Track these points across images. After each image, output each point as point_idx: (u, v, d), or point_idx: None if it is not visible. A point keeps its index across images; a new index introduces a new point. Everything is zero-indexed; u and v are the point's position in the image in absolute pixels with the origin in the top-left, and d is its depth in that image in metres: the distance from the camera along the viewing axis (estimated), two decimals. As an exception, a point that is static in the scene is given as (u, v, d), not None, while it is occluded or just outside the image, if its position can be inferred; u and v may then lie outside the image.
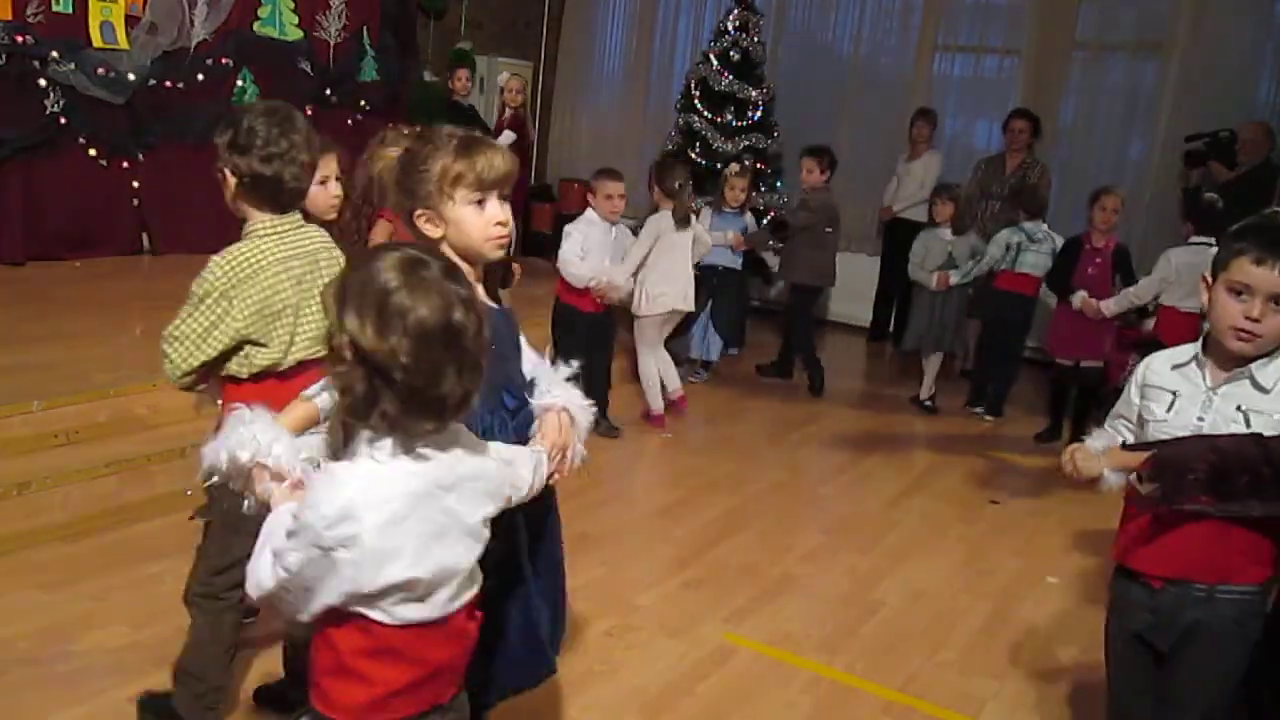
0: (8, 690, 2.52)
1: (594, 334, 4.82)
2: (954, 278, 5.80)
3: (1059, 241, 5.67)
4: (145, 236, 6.35)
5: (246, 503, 1.54)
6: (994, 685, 3.02)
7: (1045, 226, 5.80)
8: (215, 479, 1.54)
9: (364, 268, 1.34)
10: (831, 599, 3.50)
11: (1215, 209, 4.92)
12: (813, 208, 6.16)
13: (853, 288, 8.11)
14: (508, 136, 6.79)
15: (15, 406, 3.46)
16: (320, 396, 1.74)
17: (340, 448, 1.50)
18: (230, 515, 2.28)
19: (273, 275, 2.17)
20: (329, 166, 2.59)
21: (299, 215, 2.30)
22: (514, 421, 1.87)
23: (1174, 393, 2.00)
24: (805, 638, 3.20)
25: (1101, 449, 2.10)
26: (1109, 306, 5.20)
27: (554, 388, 1.93)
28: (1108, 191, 5.39)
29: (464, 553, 1.43)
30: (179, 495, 3.47)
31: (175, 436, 3.65)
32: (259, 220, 2.21)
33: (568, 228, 5.04)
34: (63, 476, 3.39)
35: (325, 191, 2.60)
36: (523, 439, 1.84)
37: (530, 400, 1.90)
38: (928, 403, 5.99)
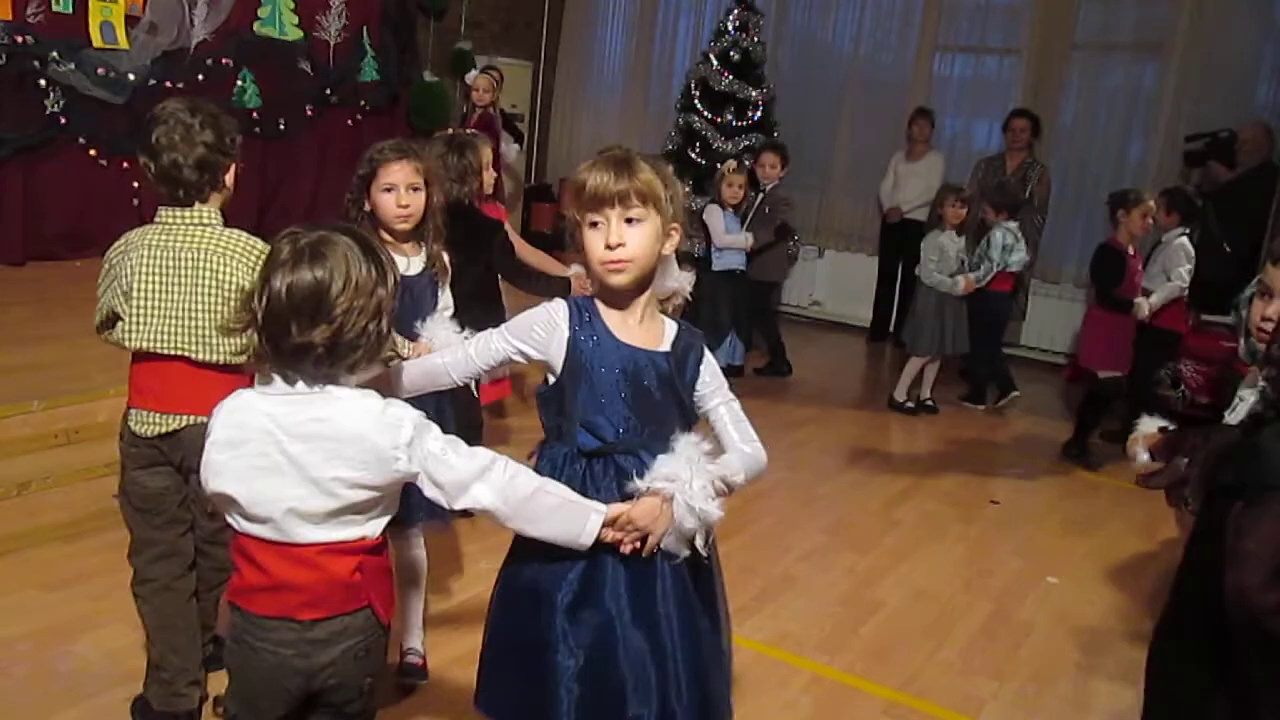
0: (8, 690, 2.52)
1: None
2: (975, 280, 5.79)
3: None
4: (145, 237, 6.35)
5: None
6: (994, 685, 3.02)
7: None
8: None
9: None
10: (831, 599, 3.50)
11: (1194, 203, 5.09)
12: (791, 204, 6.29)
13: (852, 288, 8.14)
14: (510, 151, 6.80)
15: (15, 406, 3.46)
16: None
17: None
18: (134, 497, 2.32)
19: (137, 257, 2.30)
20: (393, 175, 2.48)
21: (210, 212, 2.33)
22: (587, 462, 1.78)
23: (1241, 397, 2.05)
24: (805, 638, 3.20)
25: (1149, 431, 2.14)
26: (1154, 303, 5.12)
27: (680, 463, 1.76)
28: (1144, 199, 5.16)
29: (305, 496, 1.58)
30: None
31: (175, 436, 3.64)
32: (159, 210, 2.35)
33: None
34: (63, 476, 3.39)
35: (388, 200, 2.51)
36: (603, 492, 1.75)
37: (633, 452, 1.78)
38: (929, 402, 6.00)
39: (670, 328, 1.84)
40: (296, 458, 1.56)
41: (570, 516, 1.69)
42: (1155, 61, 7.11)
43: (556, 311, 1.79)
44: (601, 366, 1.77)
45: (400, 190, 2.50)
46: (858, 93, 8.21)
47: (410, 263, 2.53)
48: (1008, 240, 5.78)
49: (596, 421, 1.78)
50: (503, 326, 1.86)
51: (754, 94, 7.58)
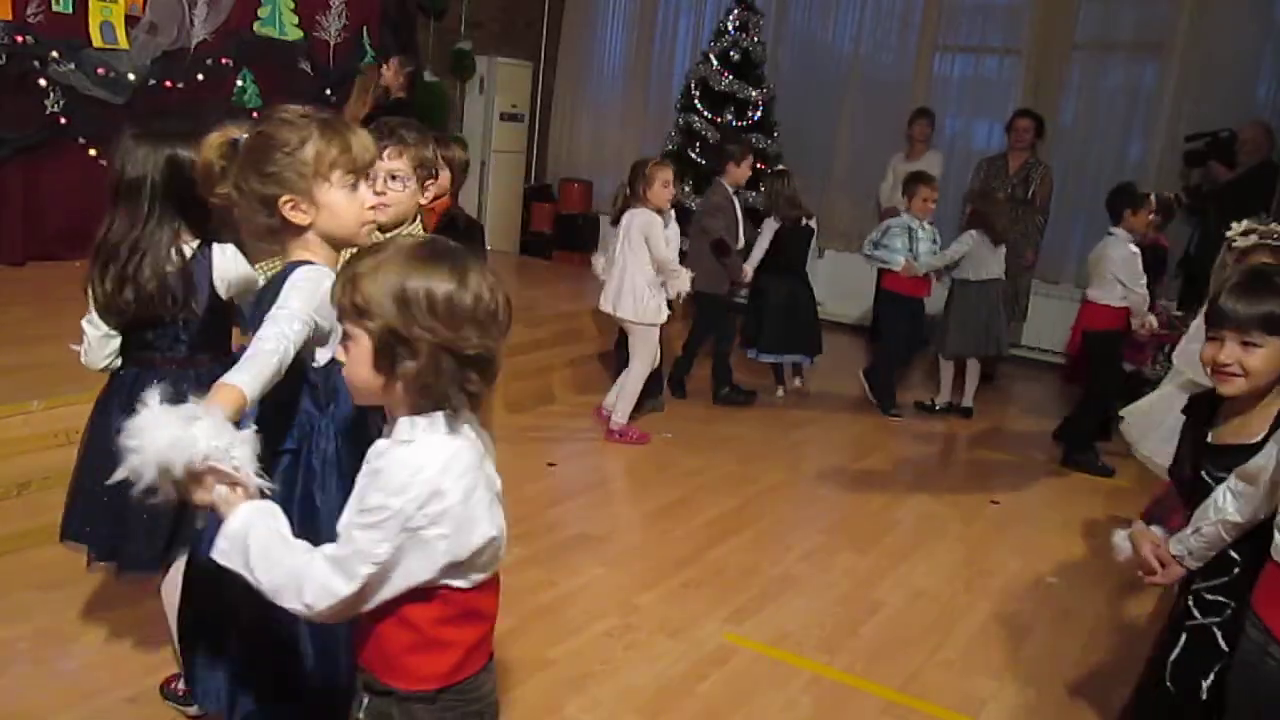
0: (8, 690, 2.52)
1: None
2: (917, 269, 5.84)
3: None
4: (145, 236, 6.35)
5: (161, 496, 1.37)
6: (994, 685, 3.02)
7: None
8: (138, 480, 1.34)
9: (397, 264, 1.37)
10: (831, 599, 3.50)
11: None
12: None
13: (852, 288, 8.14)
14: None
15: (15, 406, 3.46)
16: (243, 380, 1.57)
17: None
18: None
19: None
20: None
21: None
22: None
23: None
24: (805, 638, 3.20)
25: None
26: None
27: None
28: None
29: (502, 511, 1.47)
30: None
31: (175, 436, 3.64)
32: None
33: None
34: (63, 476, 3.37)
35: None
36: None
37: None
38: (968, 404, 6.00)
39: None
40: (490, 476, 1.46)
41: None
42: (1155, 61, 7.11)
43: (327, 274, 1.72)
44: None
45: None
46: (858, 93, 8.21)
47: None
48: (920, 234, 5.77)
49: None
50: (291, 305, 1.70)
51: (754, 94, 7.59)
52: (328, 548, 1.37)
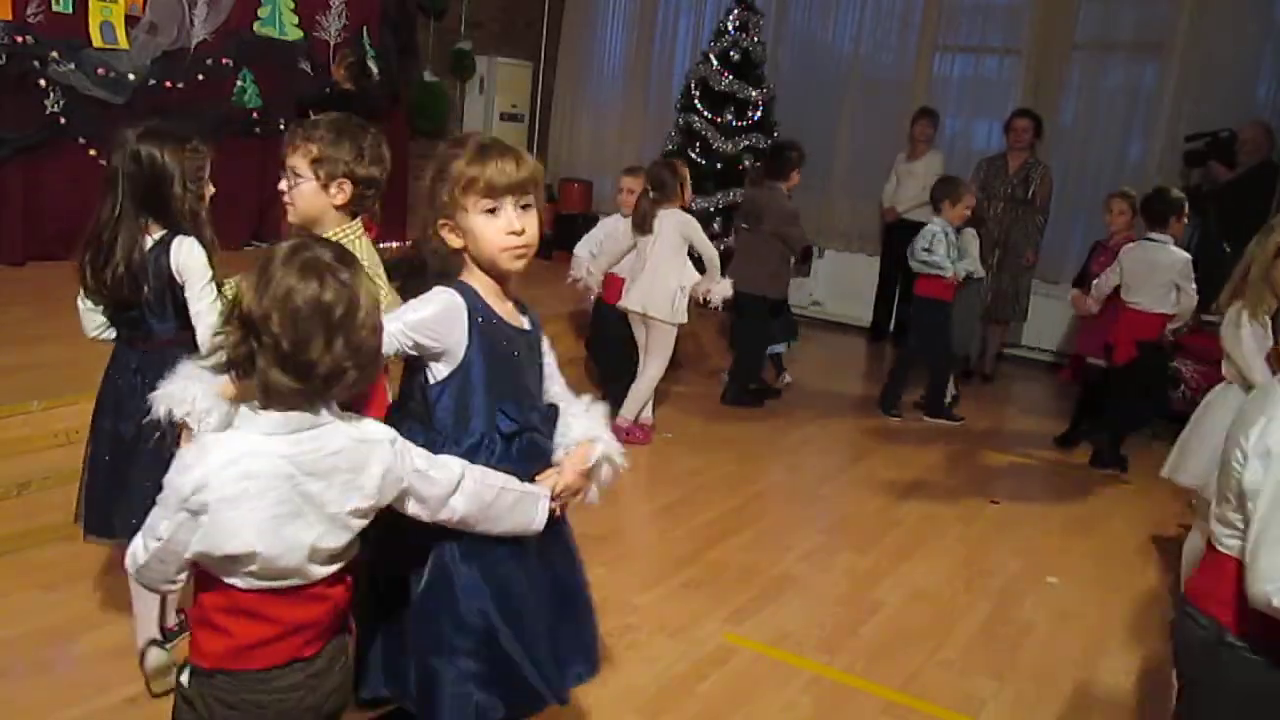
0: (8, 690, 2.52)
1: None
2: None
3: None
4: (145, 237, 6.35)
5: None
6: (994, 685, 3.02)
7: None
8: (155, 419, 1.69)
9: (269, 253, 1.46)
10: (831, 599, 3.50)
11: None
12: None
13: (852, 288, 8.14)
14: None
15: (15, 406, 3.46)
16: None
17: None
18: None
19: None
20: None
21: None
22: (505, 445, 1.78)
23: None
24: (805, 638, 3.20)
25: None
26: (1090, 303, 5.19)
27: (584, 421, 1.89)
28: (1113, 195, 5.46)
29: (323, 535, 1.48)
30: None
31: (175, 436, 3.65)
32: None
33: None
34: (63, 476, 3.38)
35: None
36: (518, 469, 1.77)
37: (536, 427, 1.84)
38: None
39: (513, 304, 1.88)
40: (315, 496, 1.46)
41: (526, 507, 1.74)
42: (1155, 61, 7.11)
43: (454, 298, 1.75)
44: (498, 349, 1.78)
45: None
46: (858, 93, 8.21)
47: None
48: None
49: (508, 404, 1.79)
50: (393, 317, 1.71)
51: (754, 94, 7.58)
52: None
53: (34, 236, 5.77)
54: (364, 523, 1.54)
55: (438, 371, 1.77)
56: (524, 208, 1.76)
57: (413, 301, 1.76)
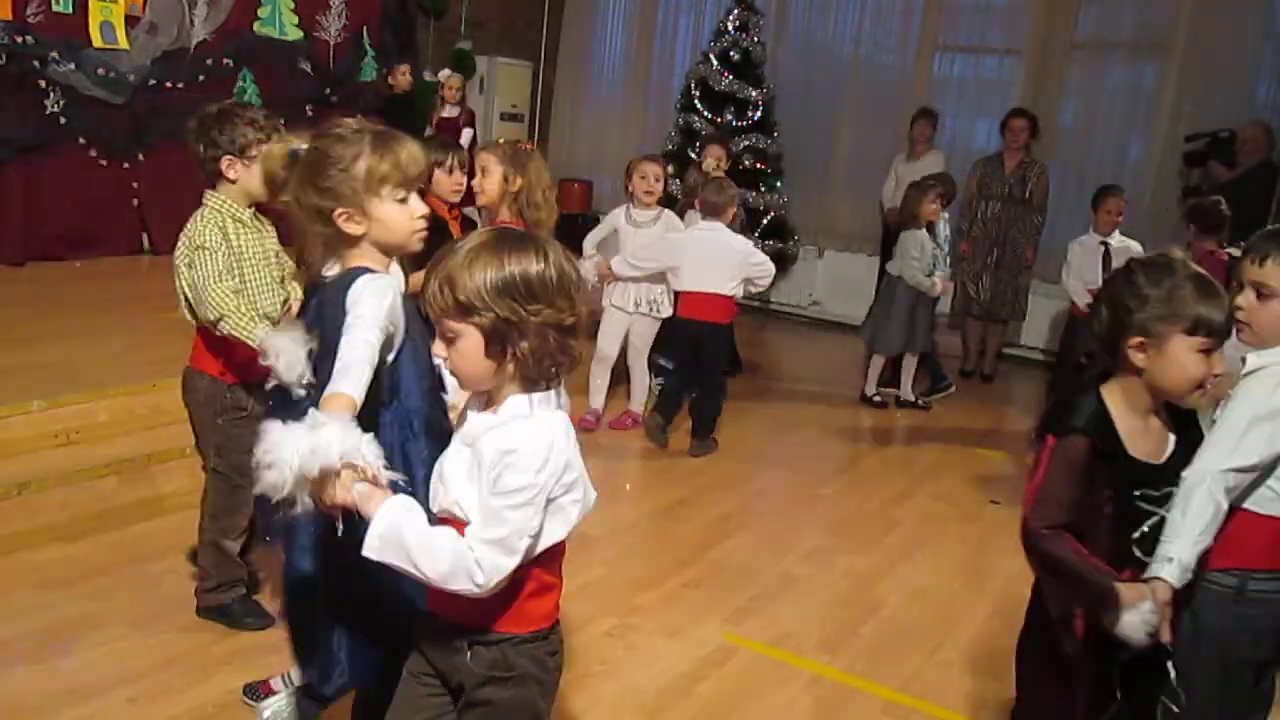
0: (8, 690, 2.52)
1: None
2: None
3: None
4: (145, 236, 6.35)
5: (299, 507, 1.45)
6: (994, 685, 3.02)
7: None
8: (281, 489, 1.42)
9: (486, 258, 1.46)
10: (831, 599, 3.50)
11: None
12: None
13: (852, 288, 8.13)
14: (467, 136, 6.85)
15: (15, 406, 3.46)
16: (348, 387, 1.69)
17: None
18: (239, 469, 2.42)
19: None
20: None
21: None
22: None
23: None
24: (805, 638, 3.20)
25: None
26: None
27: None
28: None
29: None
30: (179, 495, 3.48)
31: (175, 436, 3.64)
32: None
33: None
34: (63, 476, 3.39)
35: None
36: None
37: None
38: (921, 402, 6.00)
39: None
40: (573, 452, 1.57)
41: None
42: (1155, 61, 7.11)
43: (392, 279, 1.89)
44: (414, 322, 1.91)
45: None
46: (858, 93, 8.21)
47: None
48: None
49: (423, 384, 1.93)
50: (365, 315, 1.79)
51: (754, 94, 7.58)
52: (481, 532, 1.46)
53: (34, 236, 5.77)
54: None
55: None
56: (420, 192, 1.91)
57: (366, 298, 1.80)
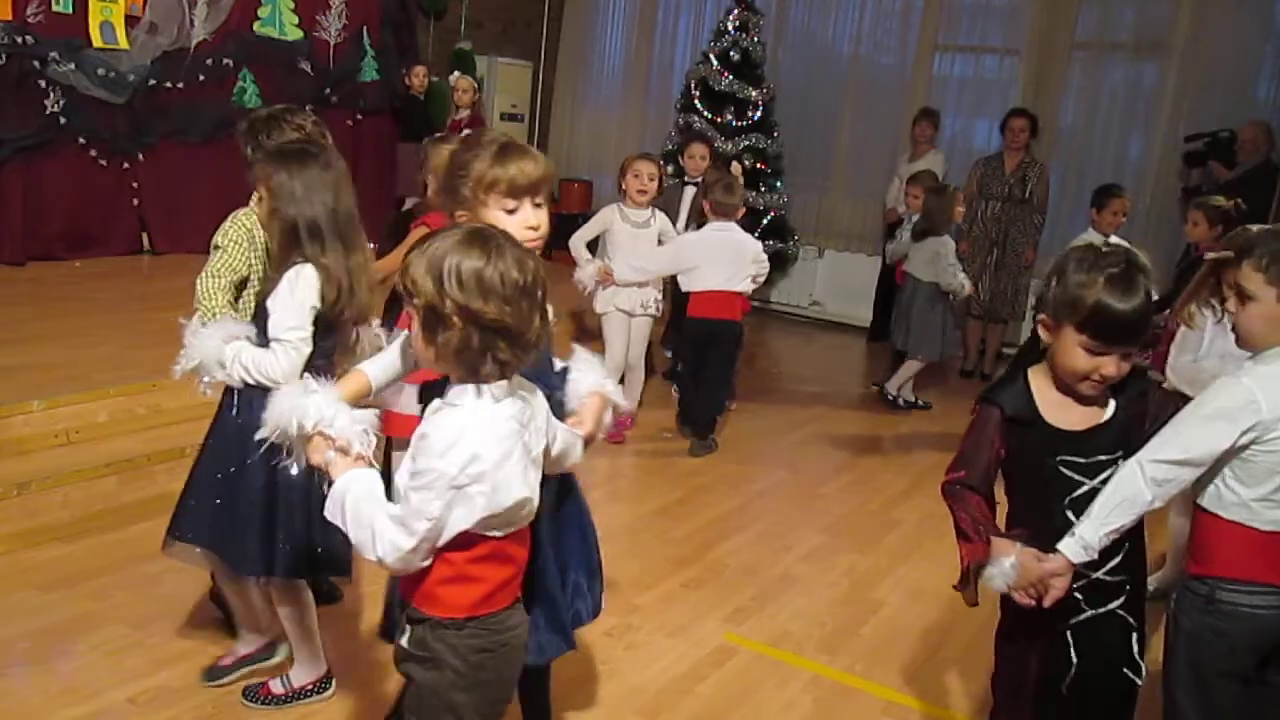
0: (8, 690, 2.52)
1: None
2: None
3: None
4: (145, 236, 6.36)
5: (294, 466, 1.69)
6: (994, 685, 3.02)
7: None
8: (275, 437, 1.68)
9: (442, 249, 1.53)
10: (831, 599, 3.50)
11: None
12: None
13: (852, 288, 8.14)
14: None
15: (15, 406, 3.46)
16: (371, 369, 1.93)
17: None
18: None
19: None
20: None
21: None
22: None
23: None
24: (805, 638, 3.20)
25: None
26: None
27: (589, 375, 2.01)
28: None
29: (537, 477, 1.66)
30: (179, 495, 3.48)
31: (175, 436, 3.65)
32: None
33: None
34: (63, 476, 3.39)
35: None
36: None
37: (558, 387, 1.97)
38: (921, 402, 6.01)
39: None
40: (529, 445, 1.63)
41: (578, 448, 1.87)
42: (1155, 61, 7.11)
43: None
44: None
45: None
46: (858, 93, 8.21)
47: None
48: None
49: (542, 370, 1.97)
50: None
51: (754, 94, 7.58)
52: (390, 507, 1.57)
53: (34, 236, 5.77)
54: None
55: None
56: (537, 205, 1.96)
57: None
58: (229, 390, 2.34)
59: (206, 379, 2.28)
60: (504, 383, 1.58)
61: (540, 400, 1.71)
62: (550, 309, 1.65)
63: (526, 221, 1.93)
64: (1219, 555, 1.89)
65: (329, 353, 2.38)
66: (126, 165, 6.16)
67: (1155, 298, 1.86)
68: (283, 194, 2.27)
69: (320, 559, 2.41)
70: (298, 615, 2.51)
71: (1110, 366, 1.84)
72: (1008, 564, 1.94)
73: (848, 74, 8.25)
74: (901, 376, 5.96)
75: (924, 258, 5.74)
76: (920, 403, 6.01)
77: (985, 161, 6.88)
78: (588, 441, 1.93)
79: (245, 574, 2.44)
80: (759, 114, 7.62)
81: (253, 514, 2.35)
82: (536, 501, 1.66)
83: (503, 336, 1.53)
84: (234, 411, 2.34)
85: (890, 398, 5.98)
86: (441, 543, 1.58)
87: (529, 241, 1.90)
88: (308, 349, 2.27)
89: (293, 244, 2.27)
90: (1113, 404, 1.93)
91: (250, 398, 2.24)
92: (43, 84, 5.68)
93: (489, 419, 1.55)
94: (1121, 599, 1.98)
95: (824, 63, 8.39)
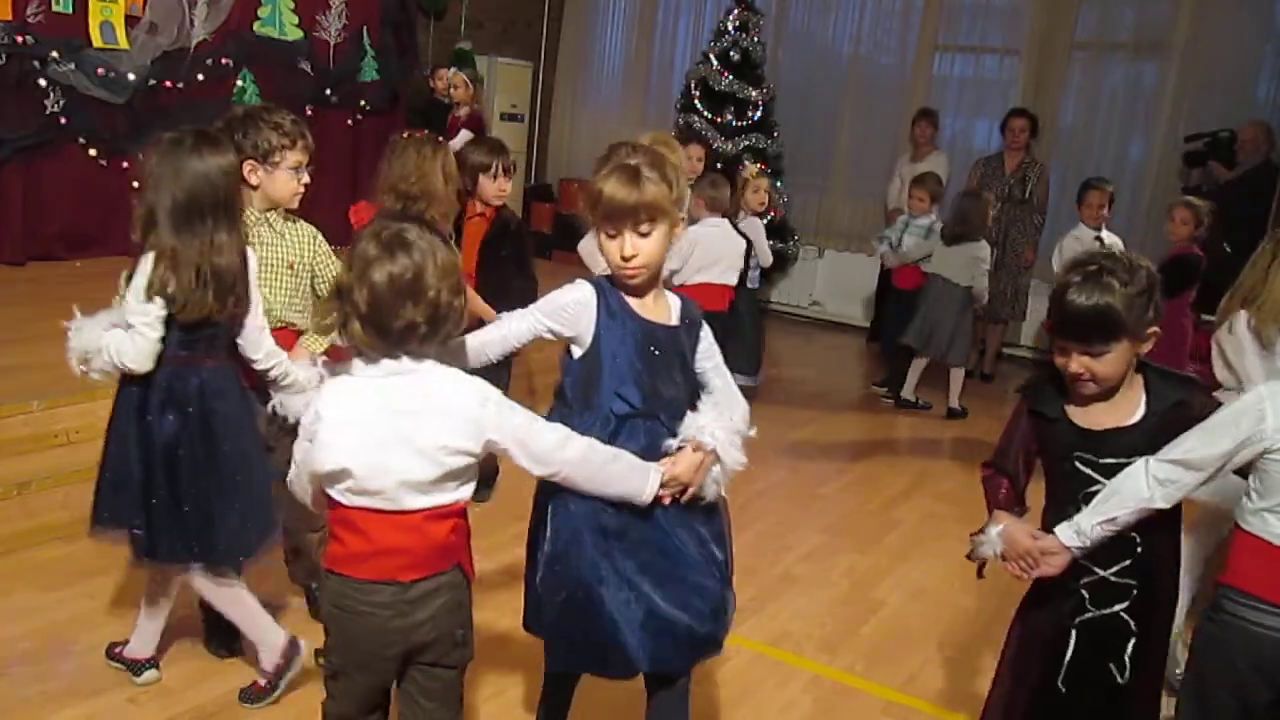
0: (8, 690, 2.52)
1: None
2: None
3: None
4: (145, 237, 6.35)
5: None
6: (994, 685, 3.02)
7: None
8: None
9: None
10: (831, 599, 3.50)
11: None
12: None
13: (852, 288, 8.15)
14: (463, 137, 6.74)
15: (15, 406, 3.46)
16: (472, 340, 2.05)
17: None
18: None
19: None
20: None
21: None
22: (619, 425, 1.96)
23: None
24: (805, 638, 3.20)
25: None
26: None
27: (707, 416, 2.00)
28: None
29: (414, 467, 1.73)
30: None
31: (175, 436, 3.64)
32: None
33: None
34: (63, 476, 3.39)
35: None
36: (630, 450, 1.93)
37: (656, 415, 1.98)
38: (921, 402, 6.01)
39: (675, 302, 2.07)
40: (407, 432, 1.71)
41: (636, 476, 1.91)
42: (1155, 61, 7.12)
43: (585, 291, 1.99)
44: (627, 340, 1.97)
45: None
46: (858, 93, 8.22)
47: None
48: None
49: (626, 390, 1.96)
50: (533, 307, 2.02)
51: (754, 94, 7.59)
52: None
53: (34, 236, 5.76)
54: (458, 462, 1.75)
55: (575, 351, 2.01)
56: (643, 234, 1.91)
57: (555, 291, 2.02)
58: (122, 376, 2.40)
59: (96, 366, 2.36)
60: (366, 362, 1.74)
61: (465, 405, 1.75)
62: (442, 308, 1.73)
63: (622, 251, 1.92)
64: (1235, 565, 1.90)
65: (214, 341, 2.41)
66: (126, 165, 6.15)
67: (1153, 298, 1.86)
68: (146, 180, 2.32)
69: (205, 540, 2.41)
70: (228, 598, 2.51)
71: (1074, 364, 1.87)
72: (994, 532, 2.04)
73: (848, 74, 8.25)
74: (913, 378, 5.96)
75: (960, 262, 5.74)
76: (920, 403, 6.01)
77: (985, 162, 6.88)
78: (667, 485, 1.94)
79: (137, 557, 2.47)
80: (759, 114, 7.62)
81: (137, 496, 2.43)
82: (392, 483, 1.72)
83: (351, 318, 1.71)
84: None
85: (911, 402, 5.98)
86: (306, 482, 1.82)
87: (623, 271, 1.94)
88: (154, 334, 2.30)
89: (147, 229, 2.33)
90: (1142, 409, 1.93)
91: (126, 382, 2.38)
92: (43, 84, 5.67)
93: (342, 388, 1.77)
94: (1126, 603, 1.97)
95: (824, 63, 8.39)
